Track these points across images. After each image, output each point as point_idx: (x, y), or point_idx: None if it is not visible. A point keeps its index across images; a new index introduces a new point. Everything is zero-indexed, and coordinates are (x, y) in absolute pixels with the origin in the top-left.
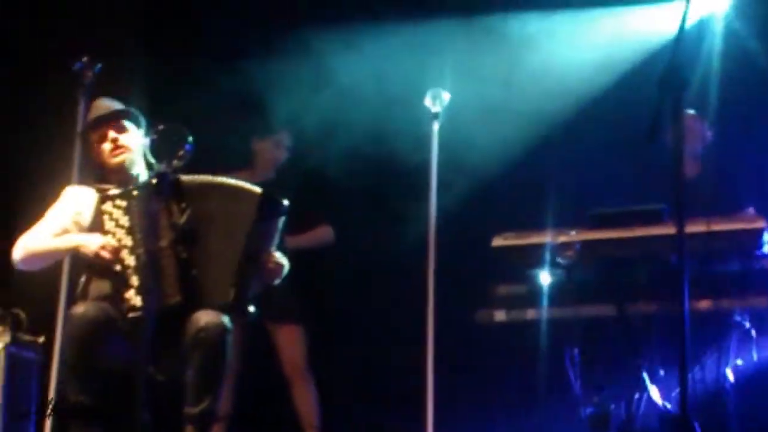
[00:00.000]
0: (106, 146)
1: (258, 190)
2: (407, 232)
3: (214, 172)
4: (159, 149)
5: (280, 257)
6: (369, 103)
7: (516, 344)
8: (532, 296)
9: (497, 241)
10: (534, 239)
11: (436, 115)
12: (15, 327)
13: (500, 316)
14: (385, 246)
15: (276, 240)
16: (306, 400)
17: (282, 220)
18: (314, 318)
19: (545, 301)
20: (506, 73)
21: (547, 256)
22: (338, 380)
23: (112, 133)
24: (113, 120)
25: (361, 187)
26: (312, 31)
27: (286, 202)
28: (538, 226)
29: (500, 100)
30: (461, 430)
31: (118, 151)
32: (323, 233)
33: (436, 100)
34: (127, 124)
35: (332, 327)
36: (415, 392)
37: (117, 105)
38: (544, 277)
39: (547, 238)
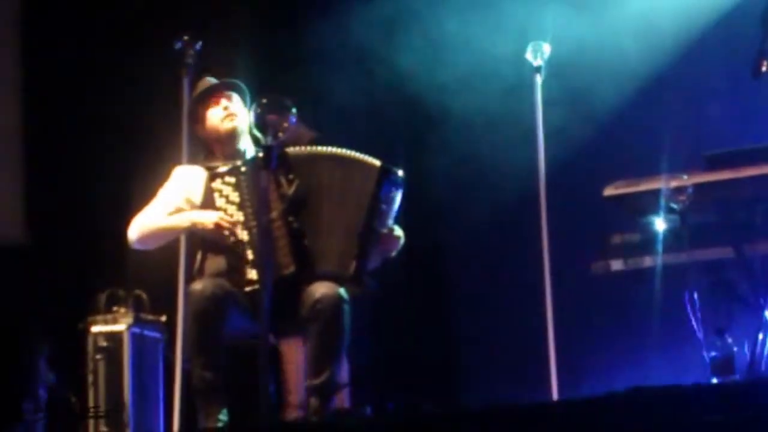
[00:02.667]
0: (218, 113)
1: (377, 162)
2: (516, 186)
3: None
4: (264, 122)
5: (397, 229)
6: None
7: (634, 292)
8: (648, 243)
9: (609, 191)
10: (646, 186)
11: (538, 68)
12: (137, 308)
13: (617, 265)
14: (495, 202)
15: (394, 212)
16: None
17: (400, 192)
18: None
19: (661, 248)
20: (608, 21)
21: (661, 201)
22: (456, 337)
23: (223, 101)
24: (222, 89)
25: (467, 140)
26: None
27: (402, 174)
28: (650, 172)
29: (603, 49)
30: (583, 381)
31: (230, 117)
32: None
33: (537, 54)
34: (234, 95)
35: (448, 284)
36: (536, 344)
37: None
38: (659, 224)
39: (659, 183)
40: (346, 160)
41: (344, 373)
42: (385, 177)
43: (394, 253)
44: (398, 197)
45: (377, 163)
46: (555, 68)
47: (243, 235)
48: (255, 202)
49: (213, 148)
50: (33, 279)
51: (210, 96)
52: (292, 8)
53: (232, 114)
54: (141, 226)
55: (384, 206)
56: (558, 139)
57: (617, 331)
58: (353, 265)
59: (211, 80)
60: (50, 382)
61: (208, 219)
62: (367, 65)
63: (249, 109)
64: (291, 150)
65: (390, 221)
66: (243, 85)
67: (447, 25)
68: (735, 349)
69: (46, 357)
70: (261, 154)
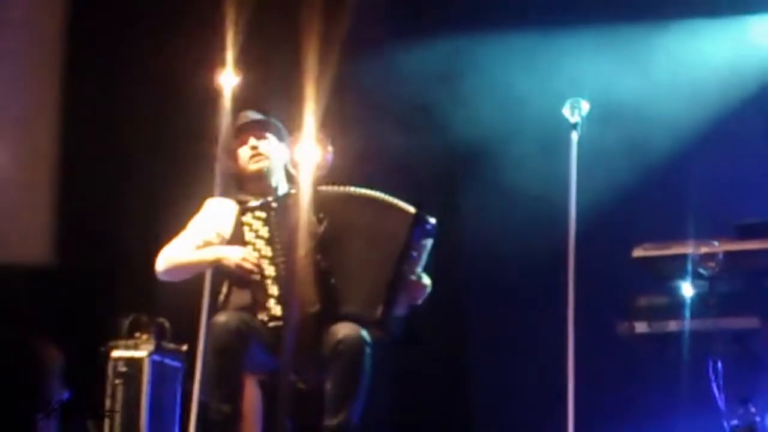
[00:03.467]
0: (246, 153)
1: (411, 208)
2: (545, 241)
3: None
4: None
5: (425, 277)
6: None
7: (658, 356)
8: (674, 307)
9: (638, 252)
10: (675, 250)
11: (575, 125)
12: (159, 336)
13: (642, 327)
14: (522, 254)
15: (423, 260)
16: None
17: (431, 241)
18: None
19: (687, 313)
20: (644, 82)
21: (690, 266)
22: (476, 390)
23: (252, 140)
24: (254, 129)
25: (501, 192)
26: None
27: (434, 223)
28: (680, 237)
29: (638, 109)
30: None
31: (256, 158)
32: None
33: (575, 110)
34: (267, 134)
35: (469, 333)
36: (555, 401)
37: (258, 116)
38: (687, 289)
39: (689, 248)
40: (379, 204)
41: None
42: (418, 224)
43: (419, 301)
44: (429, 245)
45: (411, 209)
46: (591, 126)
47: (270, 270)
48: (284, 239)
49: (244, 184)
50: (58, 300)
51: (241, 134)
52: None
53: (260, 155)
54: (168, 258)
55: (414, 253)
56: (590, 197)
57: (638, 393)
58: (380, 310)
59: (249, 115)
60: (62, 398)
61: (233, 256)
62: (408, 113)
63: (285, 144)
64: (323, 189)
65: (419, 269)
66: (278, 123)
67: (492, 78)
68: (758, 419)
69: (60, 373)
70: (292, 192)
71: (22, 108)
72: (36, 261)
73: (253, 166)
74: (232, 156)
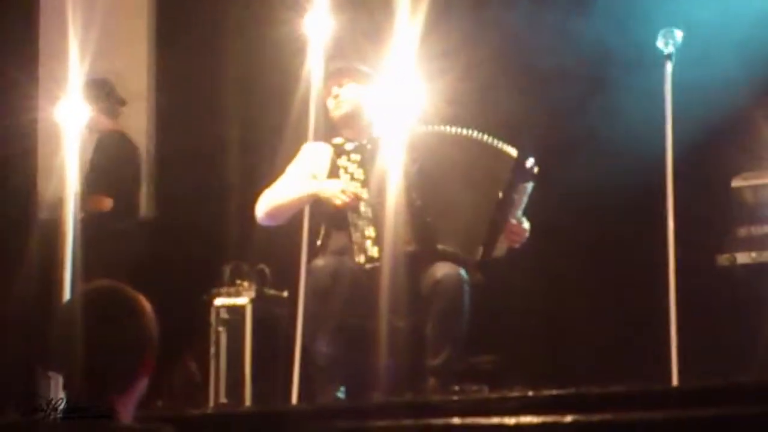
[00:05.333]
0: (330, 102)
1: (513, 151)
2: (642, 173)
3: None
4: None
5: (525, 221)
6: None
7: (761, 286)
8: None
9: (737, 182)
10: None
11: (669, 56)
12: (260, 282)
13: (743, 258)
14: (620, 189)
15: (524, 203)
16: None
17: (532, 184)
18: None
19: None
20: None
21: None
22: (572, 325)
23: (334, 89)
24: (334, 77)
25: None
26: None
27: (536, 168)
28: None
29: (732, 36)
30: (705, 376)
31: (337, 105)
32: None
33: (669, 40)
34: (347, 80)
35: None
36: (658, 337)
37: (341, 63)
38: None
39: None
40: (479, 144)
41: None
42: (521, 167)
43: (518, 245)
44: (530, 189)
45: (514, 152)
46: (685, 55)
47: (366, 211)
48: (379, 180)
49: (338, 130)
50: (161, 252)
51: (326, 82)
52: None
53: (342, 102)
54: (267, 201)
55: (516, 196)
56: (687, 127)
57: (743, 323)
58: (480, 251)
59: (333, 63)
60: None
61: (330, 188)
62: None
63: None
64: (417, 129)
65: (519, 212)
66: (360, 68)
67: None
68: None
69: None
70: (386, 133)
71: (115, 65)
72: (139, 214)
73: (336, 113)
74: (323, 104)
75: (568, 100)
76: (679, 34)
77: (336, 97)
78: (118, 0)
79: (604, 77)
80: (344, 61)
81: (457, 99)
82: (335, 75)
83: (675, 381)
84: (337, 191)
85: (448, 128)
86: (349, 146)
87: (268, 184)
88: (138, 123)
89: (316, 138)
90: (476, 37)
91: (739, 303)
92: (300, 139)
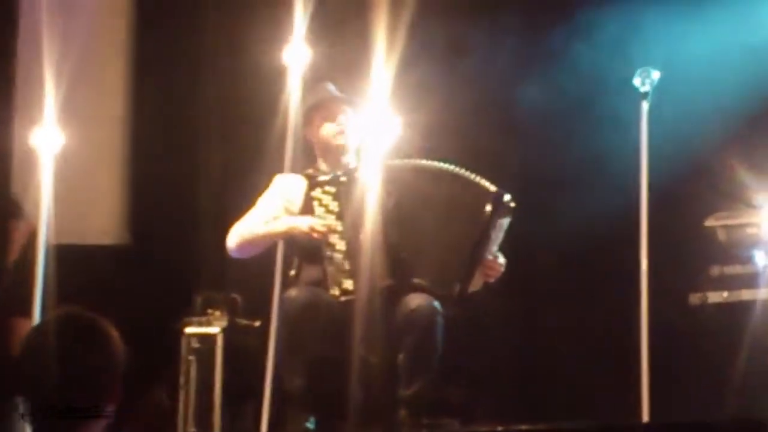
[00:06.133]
0: (333, 127)
1: (491, 186)
2: (616, 210)
3: None
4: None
5: (500, 257)
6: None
7: (731, 326)
8: (748, 277)
9: (710, 221)
10: (749, 219)
11: (645, 95)
12: (232, 312)
13: (715, 297)
14: (594, 227)
15: (500, 239)
16: None
17: (508, 220)
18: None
19: (762, 282)
20: (717, 49)
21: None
22: (544, 360)
23: (341, 117)
24: (339, 104)
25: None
26: None
27: (513, 204)
28: (753, 205)
29: (710, 78)
30: (677, 412)
31: (342, 135)
32: None
33: (646, 80)
34: (349, 110)
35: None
36: (629, 374)
37: (337, 92)
38: (760, 257)
39: (763, 217)
40: (456, 178)
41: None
42: (498, 203)
43: (493, 280)
44: (506, 224)
45: (492, 187)
46: (662, 95)
47: (340, 244)
48: (354, 213)
49: (319, 155)
50: (132, 280)
51: (329, 107)
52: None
53: (348, 132)
54: (239, 234)
55: (493, 232)
56: (662, 165)
57: (714, 361)
58: (457, 287)
59: (330, 88)
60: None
61: (302, 224)
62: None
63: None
64: (392, 162)
65: (495, 248)
66: (357, 100)
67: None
68: None
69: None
70: (362, 166)
71: (91, 91)
72: (110, 243)
73: (339, 141)
74: (317, 126)
75: (545, 137)
76: (656, 74)
77: (341, 125)
78: (95, 26)
79: (582, 114)
80: (337, 90)
81: (433, 133)
82: (340, 102)
83: (646, 417)
84: (306, 229)
85: (424, 162)
86: (323, 178)
87: (241, 215)
88: (113, 149)
89: (293, 168)
90: (454, 72)
91: (710, 342)
92: (277, 169)
